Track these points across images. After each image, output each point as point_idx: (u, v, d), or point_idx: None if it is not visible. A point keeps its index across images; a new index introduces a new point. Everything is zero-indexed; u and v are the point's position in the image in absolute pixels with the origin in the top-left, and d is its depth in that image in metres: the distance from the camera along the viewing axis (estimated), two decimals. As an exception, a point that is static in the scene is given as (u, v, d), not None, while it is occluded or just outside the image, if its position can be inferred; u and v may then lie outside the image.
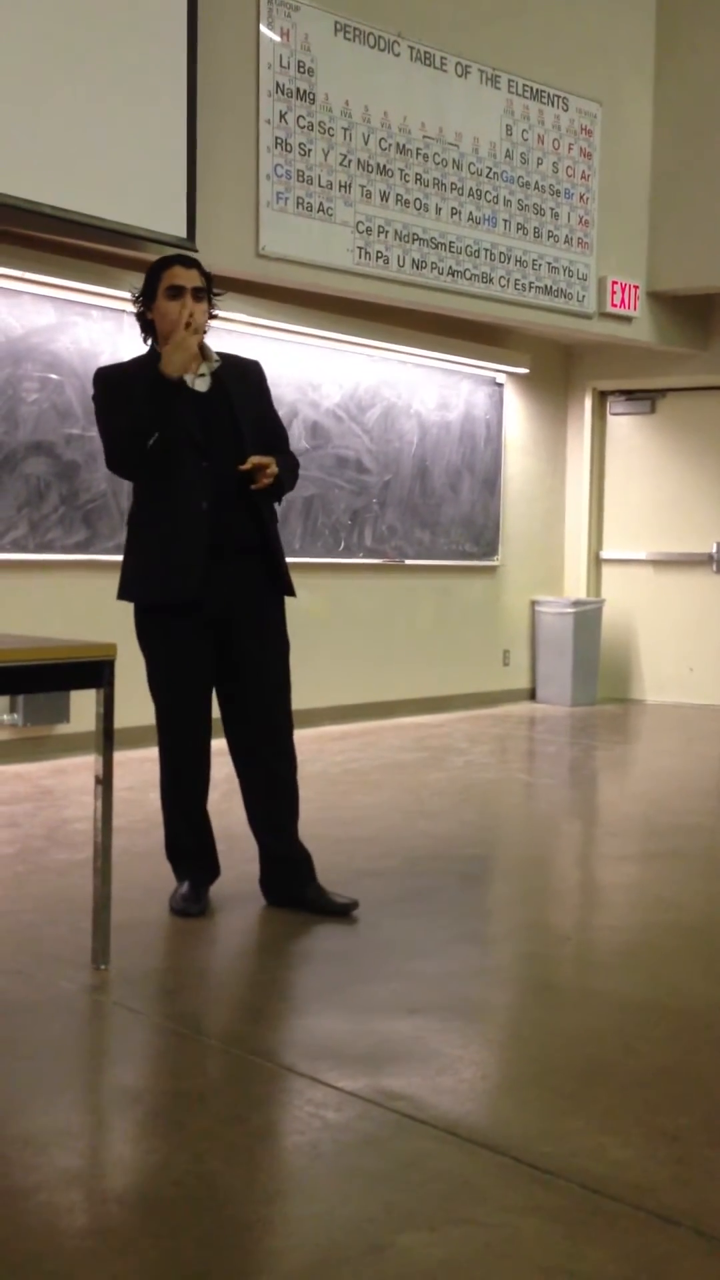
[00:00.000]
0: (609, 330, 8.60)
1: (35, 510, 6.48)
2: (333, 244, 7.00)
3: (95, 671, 3.32)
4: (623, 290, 8.52)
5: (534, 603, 9.37)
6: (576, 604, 9.20)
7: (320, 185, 6.93)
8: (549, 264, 8.11)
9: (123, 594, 3.86)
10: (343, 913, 3.88)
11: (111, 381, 3.79)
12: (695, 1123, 2.55)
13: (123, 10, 6.04)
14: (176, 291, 3.74)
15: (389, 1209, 2.19)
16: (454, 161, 7.56)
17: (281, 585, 3.90)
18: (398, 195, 7.28)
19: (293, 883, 3.94)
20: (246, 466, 3.70)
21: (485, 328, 8.54)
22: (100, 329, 6.66)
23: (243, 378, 3.91)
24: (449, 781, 6.21)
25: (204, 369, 3.79)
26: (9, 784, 5.88)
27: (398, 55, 7.23)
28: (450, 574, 8.78)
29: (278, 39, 6.71)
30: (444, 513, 8.64)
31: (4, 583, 6.38)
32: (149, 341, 3.86)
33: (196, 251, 5.86)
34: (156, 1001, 3.22)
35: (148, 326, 3.84)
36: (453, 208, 7.56)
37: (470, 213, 7.65)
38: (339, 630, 8.00)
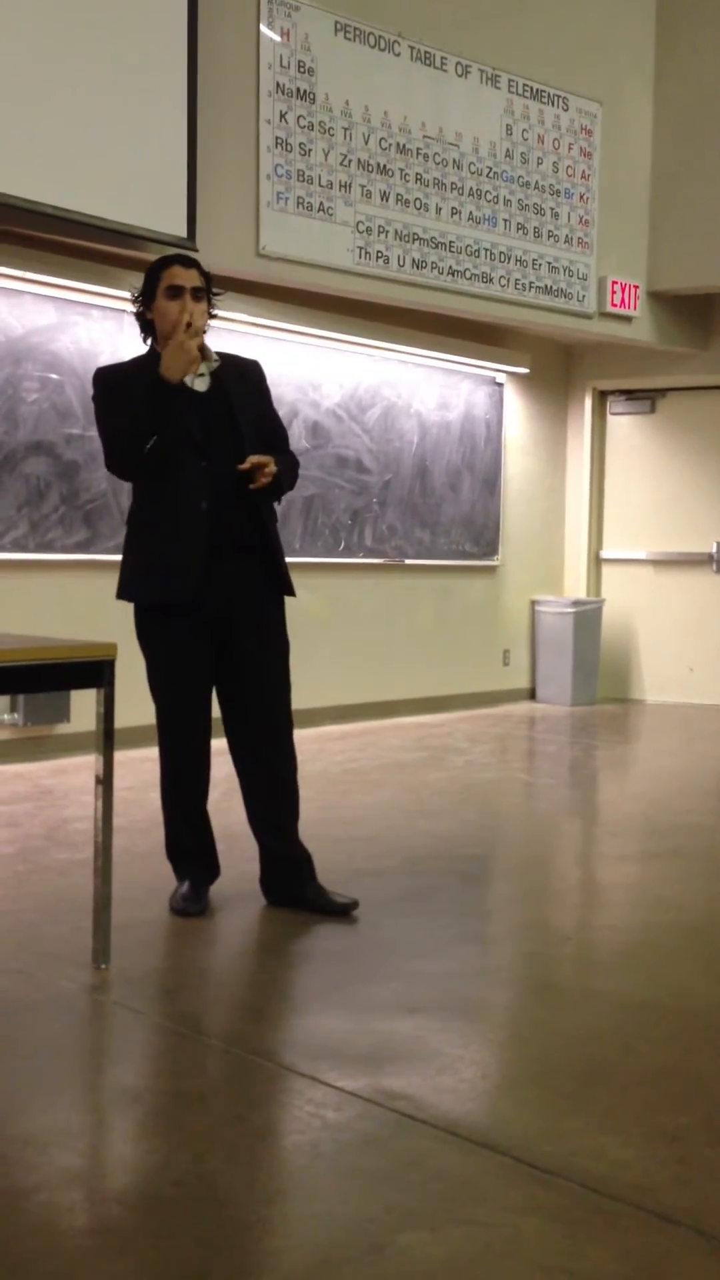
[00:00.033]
0: (609, 330, 8.60)
1: (35, 510, 6.48)
2: (333, 244, 7.00)
3: (96, 671, 3.32)
4: (623, 290, 8.52)
5: (534, 602, 9.37)
6: (577, 604, 9.20)
7: (320, 185, 6.93)
8: (549, 264, 8.11)
9: (122, 594, 3.86)
10: (343, 912, 3.88)
11: (111, 382, 3.79)
12: (695, 1122, 2.55)
13: (123, 10, 6.04)
14: (176, 291, 3.74)
15: (389, 1209, 2.19)
16: (454, 161, 7.56)
17: (281, 585, 3.90)
18: (398, 195, 7.28)
19: (293, 882, 3.94)
20: (245, 466, 3.70)
21: (485, 327, 8.54)
22: (101, 329, 6.66)
23: (242, 378, 3.91)
24: (449, 781, 6.21)
25: (203, 369, 3.79)
26: (9, 784, 5.88)
27: (398, 55, 7.23)
28: (450, 574, 8.78)
29: (278, 39, 6.71)
30: (444, 512, 8.65)
31: (4, 582, 6.38)
32: (148, 341, 3.87)
33: (197, 251, 5.86)
34: (157, 1001, 3.22)
35: (147, 326, 3.84)
36: (453, 207, 7.56)
37: (470, 212, 7.65)
38: (339, 630, 8.00)
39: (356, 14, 7.02)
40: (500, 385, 9.04)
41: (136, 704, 4.13)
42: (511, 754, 7.30)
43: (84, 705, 5.51)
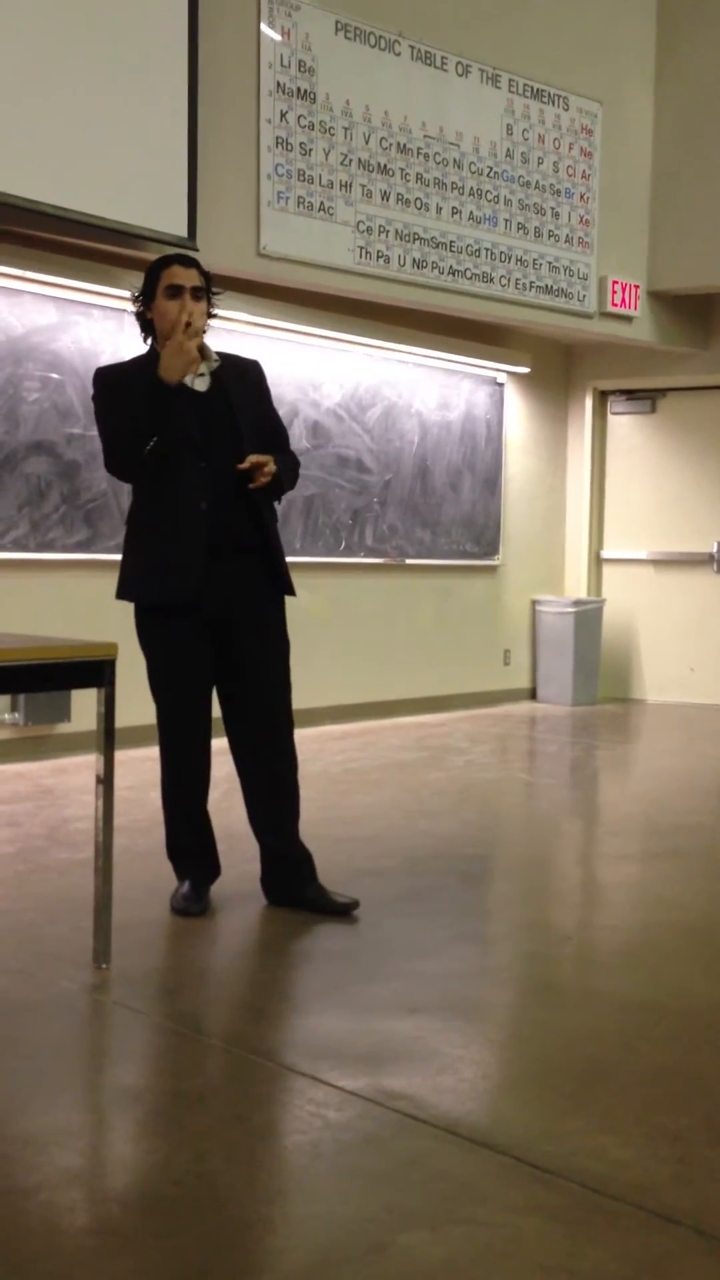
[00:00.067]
0: (609, 330, 8.60)
1: (36, 509, 6.48)
2: (333, 243, 7.00)
3: (96, 671, 3.32)
4: (623, 290, 8.52)
5: (535, 602, 9.37)
6: (577, 603, 9.20)
7: (321, 185, 6.93)
8: (549, 263, 8.11)
9: (121, 594, 3.86)
10: (343, 912, 3.88)
11: (111, 382, 3.79)
12: (696, 1122, 2.55)
13: (123, 10, 6.04)
14: (175, 291, 3.74)
15: (390, 1208, 2.19)
16: (454, 161, 7.56)
17: (281, 585, 3.90)
18: (398, 195, 7.28)
19: (293, 882, 3.94)
20: (244, 465, 3.70)
21: (486, 327, 8.54)
22: (101, 328, 6.66)
23: (242, 377, 3.91)
24: (449, 781, 6.21)
25: (203, 369, 3.79)
26: (10, 783, 5.88)
27: (398, 54, 7.23)
28: (451, 573, 8.78)
29: (278, 38, 6.71)
30: (445, 512, 8.65)
31: (5, 582, 6.38)
32: (149, 341, 3.87)
33: (197, 251, 5.86)
34: (157, 1001, 3.22)
35: (147, 326, 3.84)
36: (453, 207, 7.56)
37: (471, 212, 7.65)
38: (339, 630, 8.00)
39: (357, 13, 7.02)
40: (501, 385, 9.04)
41: (137, 704, 4.13)
42: (512, 754, 7.30)
43: (84, 705, 5.51)
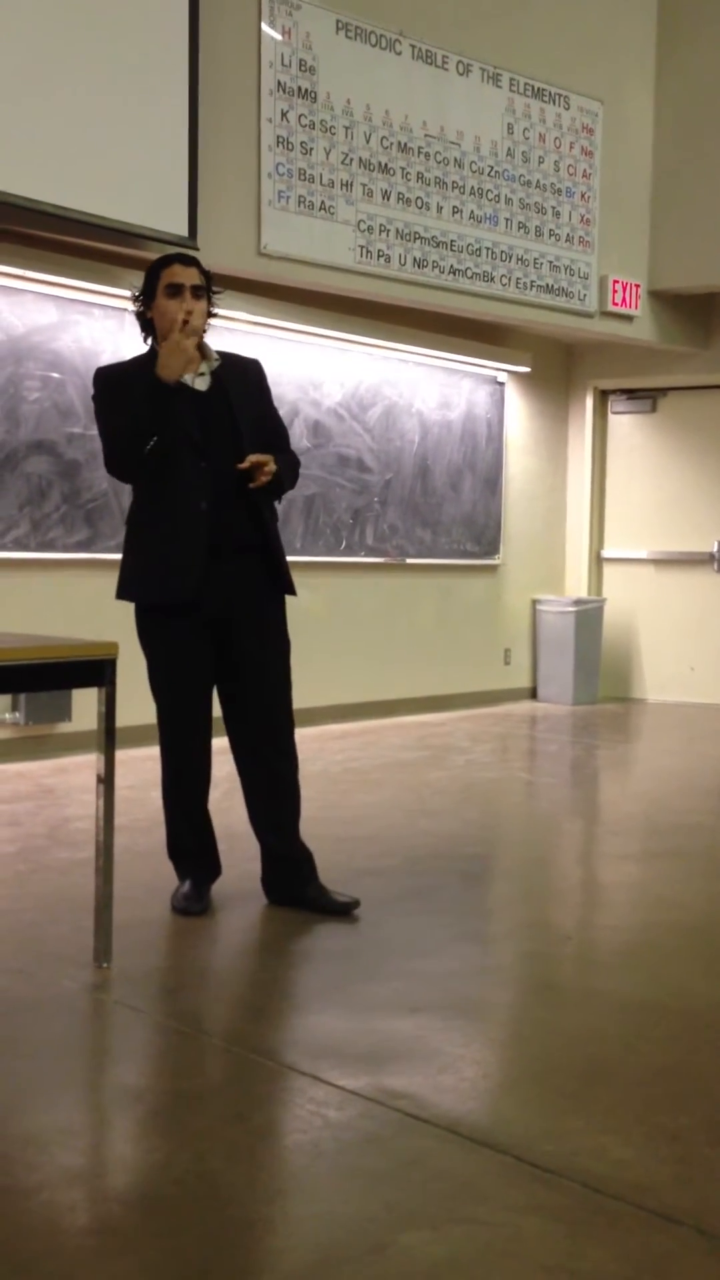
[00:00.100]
0: (610, 329, 8.60)
1: (37, 509, 6.48)
2: (334, 243, 7.00)
3: (97, 670, 3.32)
4: (624, 289, 8.52)
5: (535, 602, 9.37)
6: (578, 603, 9.20)
7: (322, 184, 6.92)
8: (550, 263, 8.11)
9: (121, 594, 3.86)
10: (344, 912, 3.88)
11: (111, 381, 3.79)
12: (696, 1122, 2.55)
13: (124, 9, 6.04)
14: (175, 289, 3.74)
15: (390, 1208, 2.19)
16: (455, 160, 7.56)
17: (282, 584, 3.90)
18: (399, 194, 7.28)
19: (294, 882, 3.94)
20: (244, 465, 3.70)
21: (486, 326, 8.54)
22: (102, 328, 6.66)
23: (242, 377, 3.91)
24: (450, 780, 6.21)
25: (204, 368, 3.79)
26: (11, 782, 5.89)
27: (399, 54, 7.23)
28: (451, 573, 8.78)
29: (279, 37, 6.71)
30: (445, 512, 8.64)
31: (5, 581, 6.38)
32: (149, 340, 3.86)
33: (198, 250, 5.86)
34: (158, 1000, 3.22)
35: (147, 325, 3.84)
36: (454, 206, 7.56)
37: (471, 211, 7.65)
38: (340, 629, 8.00)
39: (358, 12, 7.02)
40: (501, 384, 9.04)
41: (137, 703, 4.13)
42: (512, 753, 7.30)
43: (85, 704, 5.51)
